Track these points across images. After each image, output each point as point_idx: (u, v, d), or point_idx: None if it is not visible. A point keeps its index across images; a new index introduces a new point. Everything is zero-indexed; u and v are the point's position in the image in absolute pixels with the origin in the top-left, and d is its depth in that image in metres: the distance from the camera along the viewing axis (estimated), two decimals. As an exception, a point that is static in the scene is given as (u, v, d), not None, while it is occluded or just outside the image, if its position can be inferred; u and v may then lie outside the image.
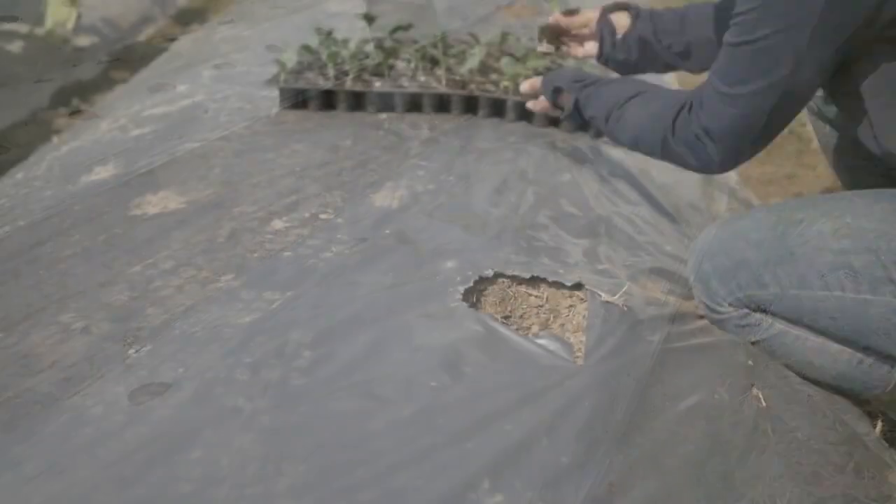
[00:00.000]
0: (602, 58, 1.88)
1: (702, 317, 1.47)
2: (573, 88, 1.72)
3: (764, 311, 1.39)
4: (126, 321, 1.34)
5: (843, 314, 1.32)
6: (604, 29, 1.85)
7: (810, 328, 1.36)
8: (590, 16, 1.91)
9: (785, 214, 1.39)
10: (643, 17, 1.82)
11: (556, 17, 1.95)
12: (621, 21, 1.85)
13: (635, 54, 1.82)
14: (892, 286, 1.25)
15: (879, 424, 1.43)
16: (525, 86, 1.94)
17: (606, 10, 1.87)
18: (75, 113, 3.04)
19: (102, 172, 1.95)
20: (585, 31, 1.94)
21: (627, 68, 1.87)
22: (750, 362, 1.35)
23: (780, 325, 1.38)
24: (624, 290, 1.44)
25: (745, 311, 1.40)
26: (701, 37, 1.74)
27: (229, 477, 1.05)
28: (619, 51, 1.84)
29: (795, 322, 1.37)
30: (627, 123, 1.57)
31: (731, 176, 2.22)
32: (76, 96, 3.18)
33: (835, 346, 1.35)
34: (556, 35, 1.97)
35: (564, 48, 1.98)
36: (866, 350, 1.33)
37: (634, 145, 1.58)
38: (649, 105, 1.54)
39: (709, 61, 1.46)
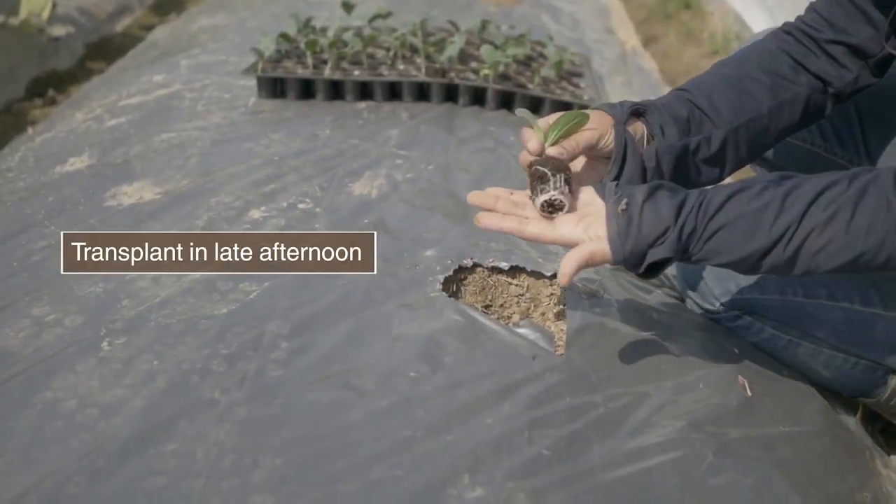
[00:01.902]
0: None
1: (682, 301, 1.46)
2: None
3: (756, 314, 1.36)
4: (100, 313, 1.32)
5: (848, 326, 1.30)
6: (626, 146, 1.20)
7: (806, 334, 1.34)
8: (586, 135, 1.18)
9: None
10: (662, 116, 1.23)
11: (549, 148, 1.16)
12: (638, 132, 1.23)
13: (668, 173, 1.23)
14: None
15: (860, 411, 1.43)
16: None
17: (620, 121, 1.21)
18: (50, 103, 3.01)
19: (77, 163, 1.92)
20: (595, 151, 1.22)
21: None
22: (735, 350, 1.35)
23: (771, 329, 1.36)
24: (602, 278, 1.43)
25: (736, 312, 1.37)
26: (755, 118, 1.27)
27: (205, 469, 1.03)
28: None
29: (790, 327, 1.35)
30: (838, 240, 1.02)
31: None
32: (51, 86, 3.15)
33: (827, 352, 1.34)
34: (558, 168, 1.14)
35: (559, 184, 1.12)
36: (859, 357, 1.32)
37: (859, 262, 1.04)
38: (860, 202, 1.01)
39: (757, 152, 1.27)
